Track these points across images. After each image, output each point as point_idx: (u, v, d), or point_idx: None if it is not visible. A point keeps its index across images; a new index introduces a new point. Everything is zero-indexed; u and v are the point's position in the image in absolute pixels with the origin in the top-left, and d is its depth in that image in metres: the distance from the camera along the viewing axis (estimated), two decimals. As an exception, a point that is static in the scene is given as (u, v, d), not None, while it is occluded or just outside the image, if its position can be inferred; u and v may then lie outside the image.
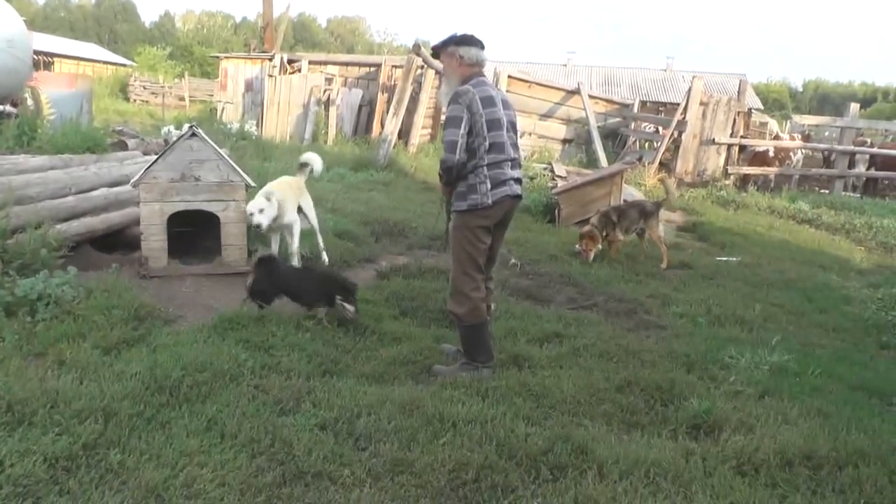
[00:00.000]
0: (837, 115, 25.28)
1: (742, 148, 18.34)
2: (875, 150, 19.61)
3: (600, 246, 8.81)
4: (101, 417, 3.62)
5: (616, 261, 8.83)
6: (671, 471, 3.68)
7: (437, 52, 5.12)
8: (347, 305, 5.54)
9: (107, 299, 5.24)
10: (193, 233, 7.03)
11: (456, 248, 4.92)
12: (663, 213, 9.63)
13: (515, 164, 4.94)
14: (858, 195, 18.60)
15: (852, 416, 4.56)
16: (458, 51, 4.91)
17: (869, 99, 72.42)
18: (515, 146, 4.97)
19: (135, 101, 37.45)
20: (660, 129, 19.61)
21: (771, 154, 18.88)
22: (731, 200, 15.19)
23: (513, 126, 4.96)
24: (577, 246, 8.94)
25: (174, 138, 7.71)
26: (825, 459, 3.87)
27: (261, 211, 6.54)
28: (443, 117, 4.65)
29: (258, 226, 6.57)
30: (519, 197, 4.99)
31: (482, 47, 4.95)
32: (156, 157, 6.73)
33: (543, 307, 6.72)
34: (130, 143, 11.86)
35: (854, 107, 19.15)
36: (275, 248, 7.25)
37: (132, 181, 6.53)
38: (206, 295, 6.15)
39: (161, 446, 3.48)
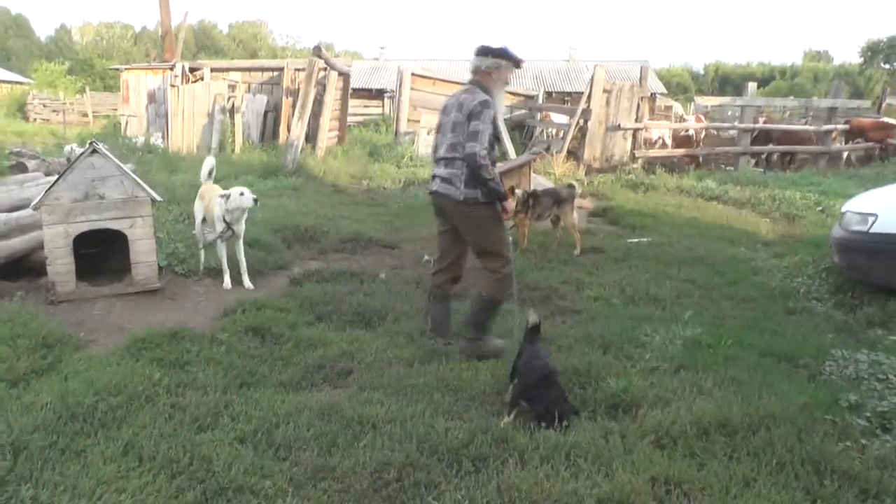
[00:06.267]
0: (738, 94, 26.04)
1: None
2: (770, 126, 20.30)
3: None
4: (9, 453, 3.49)
5: (528, 250, 8.93)
6: (591, 451, 3.75)
7: None
8: None
9: (11, 329, 5.06)
10: (102, 253, 6.84)
11: None
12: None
13: (440, 162, 5.37)
14: (762, 170, 19.25)
15: (763, 381, 4.74)
16: None
17: (767, 78, 74.81)
18: (448, 146, 5.29)
19: (35, 120, 35.96)
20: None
21: (694, 137, 19.34)
22: (640, 183, 15.32)
23: (453, 127, 5.25)
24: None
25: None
26: (739, 425, 4.01)
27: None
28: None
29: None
30: (434, 193, 5.44)
31: (476, 54, 5.34)
32: (57, 177, 6.53)
33: (459, 301, 6.71)
34: (30, 164, 11.47)
35: (752, 86, 19.79)
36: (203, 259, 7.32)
37: (33, 204, 6.31)
38: (118, 316, 6.00)
39: (76, 476, 3.38)
